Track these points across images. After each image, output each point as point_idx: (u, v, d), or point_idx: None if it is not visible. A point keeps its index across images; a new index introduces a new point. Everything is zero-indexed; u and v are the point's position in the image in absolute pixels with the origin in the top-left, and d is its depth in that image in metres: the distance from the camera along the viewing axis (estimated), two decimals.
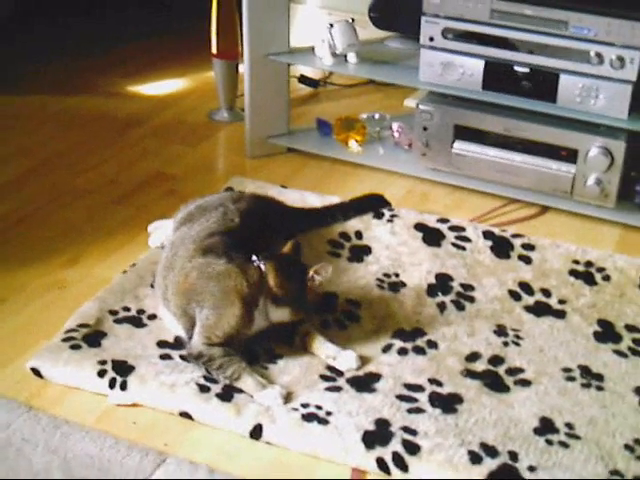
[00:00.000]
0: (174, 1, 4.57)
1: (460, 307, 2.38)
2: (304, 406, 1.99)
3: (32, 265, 2.52)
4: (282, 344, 2.19)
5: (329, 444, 1.90)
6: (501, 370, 2.14)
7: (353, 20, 3.11)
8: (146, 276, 2.44)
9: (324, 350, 2.15)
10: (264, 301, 2.10)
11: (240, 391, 2.02)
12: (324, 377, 2.10)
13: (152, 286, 2.38)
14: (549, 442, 1.91)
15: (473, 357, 2.18)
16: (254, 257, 2.13)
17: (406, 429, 1.92)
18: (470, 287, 2.46)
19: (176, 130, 3.41)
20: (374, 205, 2.79)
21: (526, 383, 2.10)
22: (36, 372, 2.09)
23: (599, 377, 2.13)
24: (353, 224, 2.71)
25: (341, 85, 3.81)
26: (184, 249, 2.21)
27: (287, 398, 2.01)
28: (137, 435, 1.94)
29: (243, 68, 3.14)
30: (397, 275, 2.50)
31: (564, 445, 1.90)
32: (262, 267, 2.11)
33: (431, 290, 2.44)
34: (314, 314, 2.27)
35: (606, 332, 2.30)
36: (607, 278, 2.51)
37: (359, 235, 2.68)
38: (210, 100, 3.59)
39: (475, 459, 1.85)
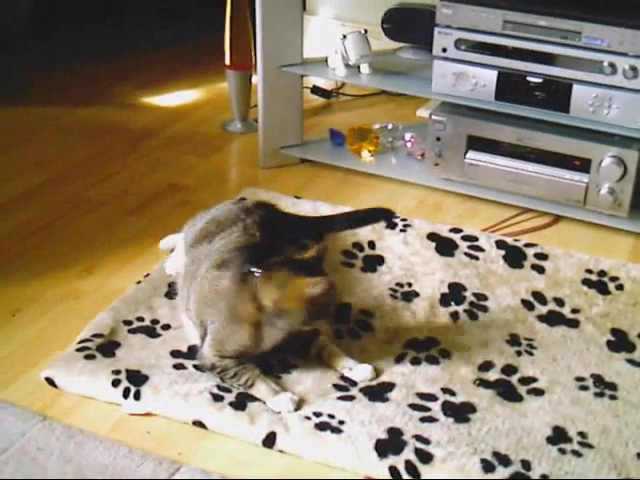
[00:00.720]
0: (191, 10, 4.60)
1: (473, 317, 2.38)
2: (317, 415, 1.99)
3: (46, 276, 2.54)
4: (297, 356, 2.19)
5: (342, 453, 1.90)
6: (514, 379, 2.14)
7: (366, 31, 3.12)
8: (160, 286, 2.45)
9: (340, 362, 2.15)
10: (268, 315, 2.06)
11: (253, 400, 2.03)
12: (337, 386, 2.10)
13: (167, 296, 2.39)
14: (562, 451, 1.91)
15: (486, 366, 2.18)
16: (253, 269, 2.07)
17: (419, 438, 1.92)
18: (483, 297, 2.46)
19: (189, 141, 3.43)
20: (378, 217, 2.78)
21: (539, 392, 2.10)
22: (50, 382, 2.10)
23: (612, 386, 2.12)
24: (366, 234, 2.72)
25: (354, 95, 3.82)
26: (208, 261, 2.21)
27: (299, 405, 2.01)
28: (151, 444, 1.94)
29: (256, 79, 3.15)
30: (410, 285, 2.51)
31: (577, 454, 1.90)
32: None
33: (444, 300, 2.44)
34: (328, 325, 2.27)
35: (619, 341, 2.29)
36: (620, 287, 2.50)
37: (372, 245, 2.68)
38: (223, 111, 3.61)
39: (488, 468, 1.85)
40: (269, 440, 1.93)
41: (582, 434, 1.96)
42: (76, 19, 4.37)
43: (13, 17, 4.23)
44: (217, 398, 2.02)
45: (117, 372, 2.09)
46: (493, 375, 2.15)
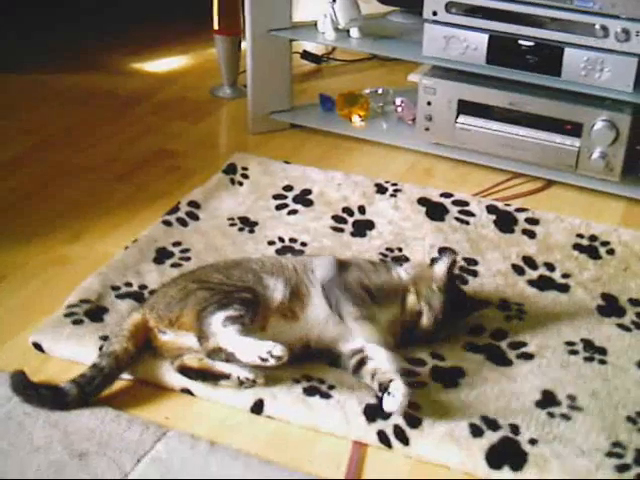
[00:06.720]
0: None
1: (463, 281, 2.36)
2: (308, 379, 1.98)
3: (34, 242, 2.52)
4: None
5: (331, 417, 1.89)
6: (504, 344, 2.13)
7: None
8: (147, 252, 2.43)
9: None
10: None
11: None
12: None
13: (154, 261, 2.37)
14: (551, 415, 1.90)
15: (475, 331, 2.17)
16: None
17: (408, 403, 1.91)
18: (473, 261, 2.45)
19: (178, 107, 3.41)
20: None
21: (528, 356, 2.09)
22: (38, 347, 2.08)
23: (602, 351, 2.11)
24: (356, 199, 2.71)
25: (344, 60, 3.80)
26: None
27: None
28: (138, 409, 1.93)
29: (245, 44, 3.12)
30: (400, 250, 2.49)
31: (566, 417, 1.89)
32: None
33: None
34: None
35: (610, 306, 2.28)
36: (611, 252, 2.49)
37: (362, 210, 2.67)
38: (212, 77, 3.59)
39: (476, 432, 1.84)
40: (257, 407, 1.91)
41: (571, 397, 1.95)
42: None
43: None
44: None
45: (105, 338, 2.07)
46: (482, 340, 2.14)
